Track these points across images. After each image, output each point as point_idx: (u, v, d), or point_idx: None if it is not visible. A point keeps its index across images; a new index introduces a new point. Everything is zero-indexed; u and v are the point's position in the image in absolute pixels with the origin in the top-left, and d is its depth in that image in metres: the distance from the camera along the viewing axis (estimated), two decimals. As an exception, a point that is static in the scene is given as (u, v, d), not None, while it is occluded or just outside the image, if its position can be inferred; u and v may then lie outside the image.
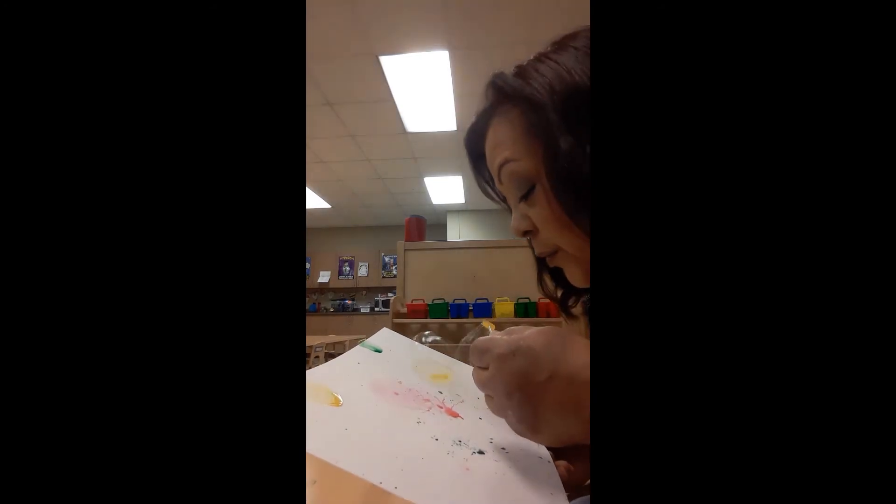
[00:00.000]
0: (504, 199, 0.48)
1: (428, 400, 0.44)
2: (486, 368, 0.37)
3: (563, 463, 0.37)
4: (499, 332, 0.39)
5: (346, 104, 3.52)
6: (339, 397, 0.39)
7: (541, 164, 0.37)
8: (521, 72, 0.41)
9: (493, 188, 0.48)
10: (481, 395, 0.47)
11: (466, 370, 0.52)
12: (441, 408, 0.43)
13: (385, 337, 0.56)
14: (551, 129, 0.35)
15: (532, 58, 0.41)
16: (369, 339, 0.54)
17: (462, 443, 0.37)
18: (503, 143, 0.41)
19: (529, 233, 0.42)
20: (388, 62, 2.99)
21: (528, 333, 0.36)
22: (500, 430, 0.41)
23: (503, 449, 0.38)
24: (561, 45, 0.40)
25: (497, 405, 0.37)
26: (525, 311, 2.54)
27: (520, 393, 0.34)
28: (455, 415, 0.43)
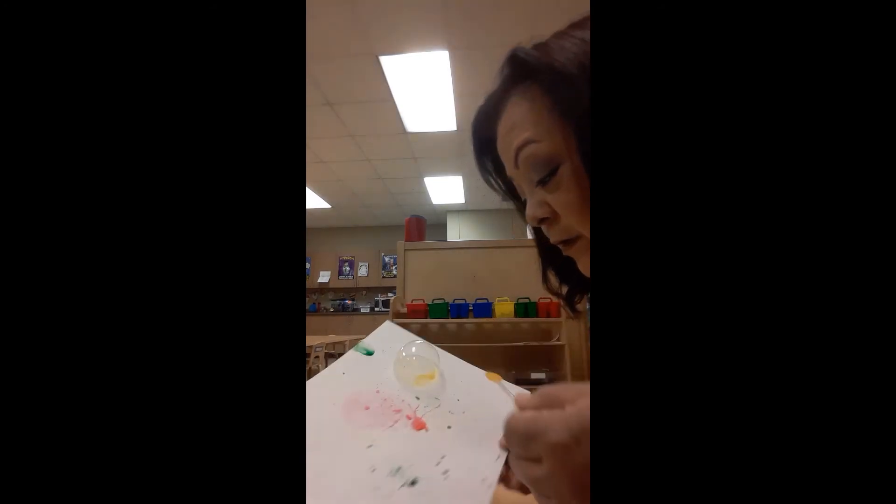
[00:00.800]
0: (507, 189, 0.45)
1: (399, 410, 0.45)
2: (537, 461, 0.29)
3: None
4: (527, 395, 0.35)
5: (346, 104, 3.52)
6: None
7: (571, 141, 0.34)
8: (542, 47, 0.38)
9: (496, 177, 0.45)
10: (461, 395, 0.47)
11: (454, 366, 0.53)
12: (410, 418, 0.45)
13: (382, 335, 0.56)
14: (583, 104, 0.31)
15: (551, 36, 0.38)
16: (366, 338, 0.55)
17: (400, 471, 0.39)
18: (522, 123, 0.37)
19: (546, 220, 0.39)
20: (388, 62, 2.99)
21: (585, 406, 0.27)
22: (459, 444, 0.42)
23: (446, 472, 0.39)
24: (579, 25, 0.37)
25: None
26: (525, 311, 2.54)
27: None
28: (421, 426, 0.44)
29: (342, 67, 3.03)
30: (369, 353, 0.53)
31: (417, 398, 0.47)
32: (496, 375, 0.53)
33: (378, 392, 0.47)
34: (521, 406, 0.35)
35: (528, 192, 0.40)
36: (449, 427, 0.45)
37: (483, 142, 0.44)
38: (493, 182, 0.46)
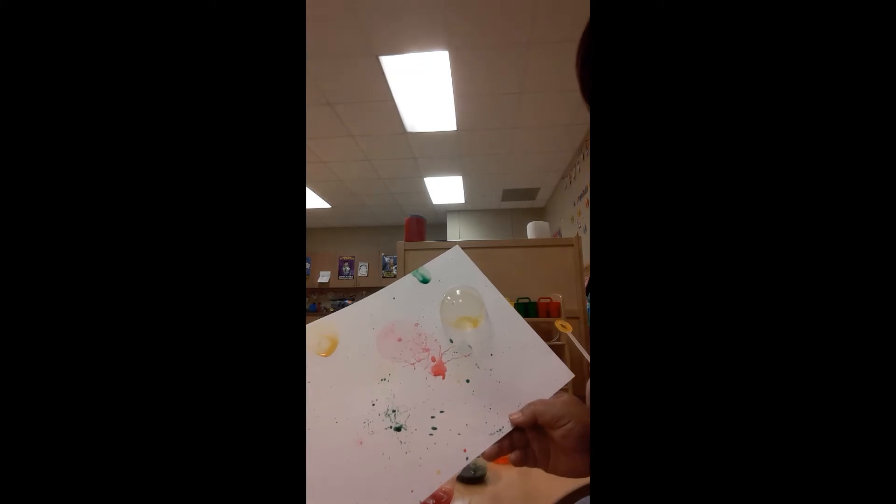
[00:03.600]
0: None
1: (427, 349, 0.45)
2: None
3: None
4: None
5: (346, 104, 3.52)
6: (339, 343, 0.43)
7: None
8: None
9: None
10: (496, 350, 0.46)
11: (505, 316, 0.50)
12: (434, 361, 0.45)
13: (444, 263, 0.54)
14: None
15: None
16: (428, 263, 0.53)
17: (395, 413, 0.40)
18: None
19: None
20: (388, 62, 2.99)
21: None
22: (465, 403, 0.42)
23: (433, 430, 0.40)
24: None
25: None
26: (525, 310, 2.54)
27: None
28: (440, 372, 0.44)
29: (342, 67, 3.03)
30: (425, 281, 0.51)
31: (451, 341, 0.46)
32: (568, 325, 0.51)
33: (416, 325, 0.47)
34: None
35: None
36: (468, 381, 0.43)
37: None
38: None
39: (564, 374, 0.47)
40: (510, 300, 2.60)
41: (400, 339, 0.45)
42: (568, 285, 2.71)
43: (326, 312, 7.37)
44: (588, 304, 2.66)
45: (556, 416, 0.37)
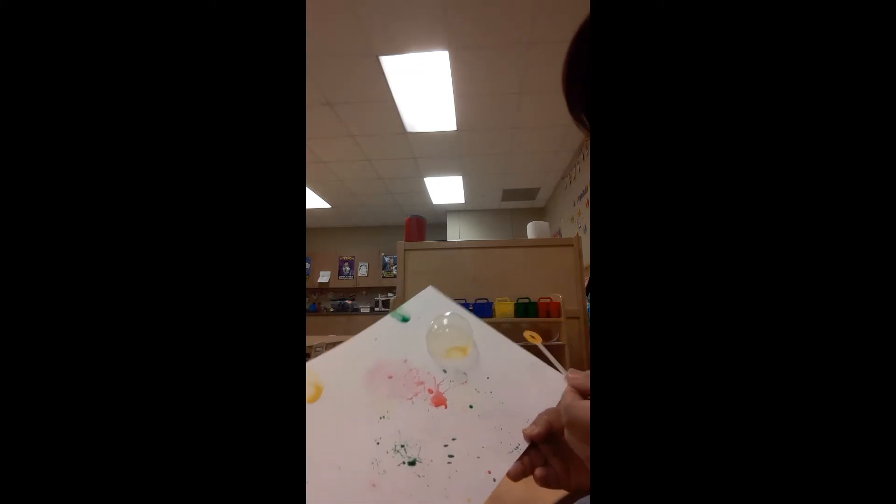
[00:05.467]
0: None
1: (421, 383, 0.44)
2: None
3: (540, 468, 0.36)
4: (582, 375, 0.37)
5: (346, 104, 3.52)
6: (323, 389, 0.41)
7: None
8: None
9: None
10: (491, 373, 0.45)
11: (493, 341, 0.50)
12: (431, 392, 0.43)
13: (422, 301, 0.54)
14: None
15: None
16: (406, 303, 0.53)
17: (405, 447, 0.38)
18: None
19: None
20: (388, 62, 2.99)
21: None
22: (475, 427, 0.41)
23: (451, 457, 0.38)
24: None
25: None
26: (525, 311, 2.54)
27: None
28: (441, 402, 0.43)
29: (342, 67, 3.03)
30: (405, 320, 0.51)
31: (444, 371, 0.45)
32: (537, 336, 0.51)
33: (405, 361, 0.46)
34: (584, 393, 0.36)
35: None
36: (471, 406, 0.43)
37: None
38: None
39: (562, 382, 0.47)
40: (510, 300, 2.60)
41: (391, 377, 0.44)
42: (568, 285, 2.71)
43: (326, 312, 7.39)
44: (588, 304, 2.66)
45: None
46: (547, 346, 0.51)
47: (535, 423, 0.40)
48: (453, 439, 0.40)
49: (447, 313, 0.51)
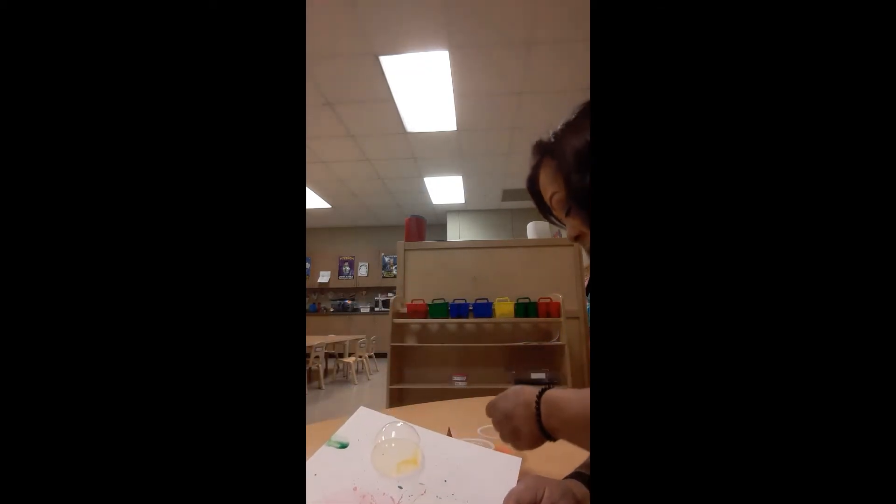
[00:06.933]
0: (556, 219, 0.66)
1: None
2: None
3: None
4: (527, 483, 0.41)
5: (346, 104, 3.53)
6: None
7: (568, 190, 0.53)
8: (556, 134, 0.56)
9: (552, 215, 0.65)
10: (447, 475, 0.46)
11: (437, 445, 0.50)
12: None
13: (356, 423, 0.53)
14: (570, 168, 0.52)
15: (562, 125, 0.56)
16: (339, 430, 0.52)
17: None
18: (548, 184, 0.57)
19: (578, 237, 0.57)
20: (388, 62, 2.99)
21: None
22: None
23: None
24: (583, 112, 0.54)
25: None
26: (525, 311, 2.54)
27: None
28: None
29: (342, 67, 3.04)
30: (343, 446, 0.50)
31: (400, 487, 0.44)
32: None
33: (356, 489, 0.44)
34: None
35: (564, 220, 0.59)
36: None
37: (537, 197, 0.63)
38: (551, 219, 0.63)
39: (514, 461, 0.48)
40: (510, 300, 2.60)
41: None
42: (568, 285, 2.71)
43: (326, 312, 7.40)
44: (588, 304, 2.66)
45: (532, 490, 0.39)
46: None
47: None
48: None
49: (389, 427, 0.51)
